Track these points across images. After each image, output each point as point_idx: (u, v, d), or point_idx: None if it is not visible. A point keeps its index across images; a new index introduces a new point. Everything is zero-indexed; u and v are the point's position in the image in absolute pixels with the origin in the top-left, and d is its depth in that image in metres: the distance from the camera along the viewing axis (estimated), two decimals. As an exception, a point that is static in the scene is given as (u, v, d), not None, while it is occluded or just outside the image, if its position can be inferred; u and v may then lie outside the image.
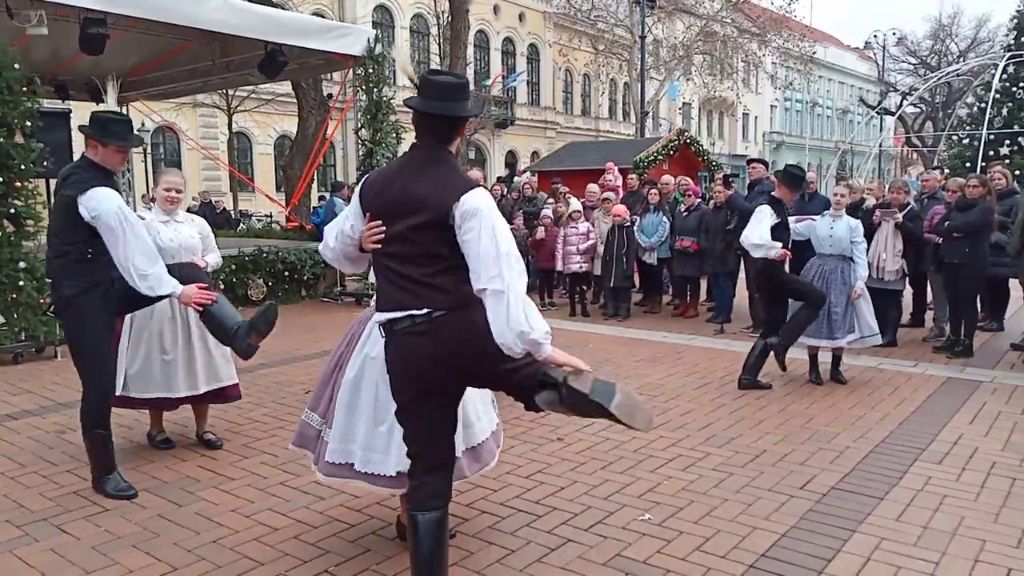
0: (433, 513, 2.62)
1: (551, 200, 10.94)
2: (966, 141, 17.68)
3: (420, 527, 2.61)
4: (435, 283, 2.51)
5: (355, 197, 2.77)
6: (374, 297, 3.25)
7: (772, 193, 6.01)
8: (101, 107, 12.35)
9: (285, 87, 17.50)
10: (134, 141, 3.99)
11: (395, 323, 2.57)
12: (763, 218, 5.75)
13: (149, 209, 4.68)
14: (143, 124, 19.97)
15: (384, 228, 2.59)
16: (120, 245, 3.66)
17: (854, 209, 7.83)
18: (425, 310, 2.51)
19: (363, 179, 2.78)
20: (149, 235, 4.12)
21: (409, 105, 2.60)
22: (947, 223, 7.05)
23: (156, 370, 4.40)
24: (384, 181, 2.66)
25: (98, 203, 3.65)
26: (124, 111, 13.38)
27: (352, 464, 3.09)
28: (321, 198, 18.45)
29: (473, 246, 2.42)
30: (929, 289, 8.40)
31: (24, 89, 6.98)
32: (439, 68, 8.67)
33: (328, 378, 3.31)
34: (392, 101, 10.70)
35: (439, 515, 2.63)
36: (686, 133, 15.71)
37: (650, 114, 30.68)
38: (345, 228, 2.78)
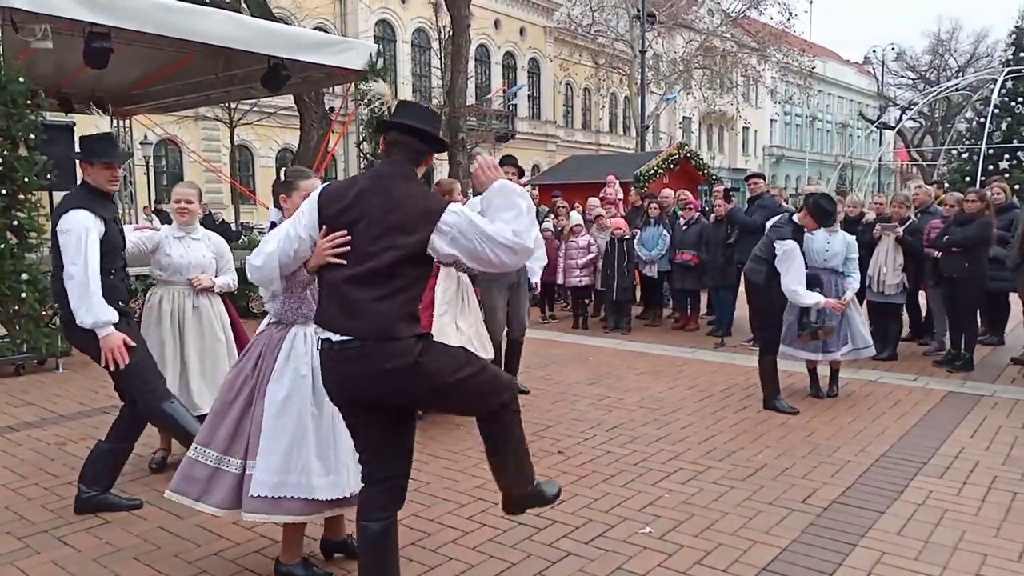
0: (378, 524, 2.63)
1: (551, 214, 10.97)
2: (965, 155, 17.71)
3: (367, 537, 2.62)
4: (380, 308, 2.48)
5: (311, 208, 2.66)
6: (266, 318, 3.18)
7: (794, 218, 5.72)
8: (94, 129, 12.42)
9: (287, 100, 17.54)
10: (119, 156, 3.92)
11: (329, 342, 2.55)
12: (794, 262, 5.48)
13: (150, 220, 4.67)
14: (145, 136, 20.11)
15: (349, 240, 2.54)
16: (66, 258, 3.60)
17: (854, 223, 7.88)
18: (359, 336, 2.49)
19: (321, 191, 2.69)
20: (162, 250, 4.21)
21: (392, 120, 2.67)
22: (946, 237, 7.08)
23: None
24: (353, 196, 2.58)
25: (66, 222, 3.64)
26: (127, 124, 13.45)
27: (289, 496, 2.94)
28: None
29: (475, 256, 2.51)
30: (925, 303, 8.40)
31: (28, 102, 7.02)
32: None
33: (227, 408, 3.10)
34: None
35: (384, 526, 2.63)
36: (686, 147, 15.77)
37: (650, 128, 30.79)
38: (298, 233, 2.66)
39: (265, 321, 3.20)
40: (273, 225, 3.35)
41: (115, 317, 3.65)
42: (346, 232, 2.54)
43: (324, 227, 2.60)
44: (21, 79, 6.95)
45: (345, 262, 2.54)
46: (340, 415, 2.78)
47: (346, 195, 2.60)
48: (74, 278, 3.58)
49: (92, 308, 3.58)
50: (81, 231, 3.60)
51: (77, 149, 3.89)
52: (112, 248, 3.81)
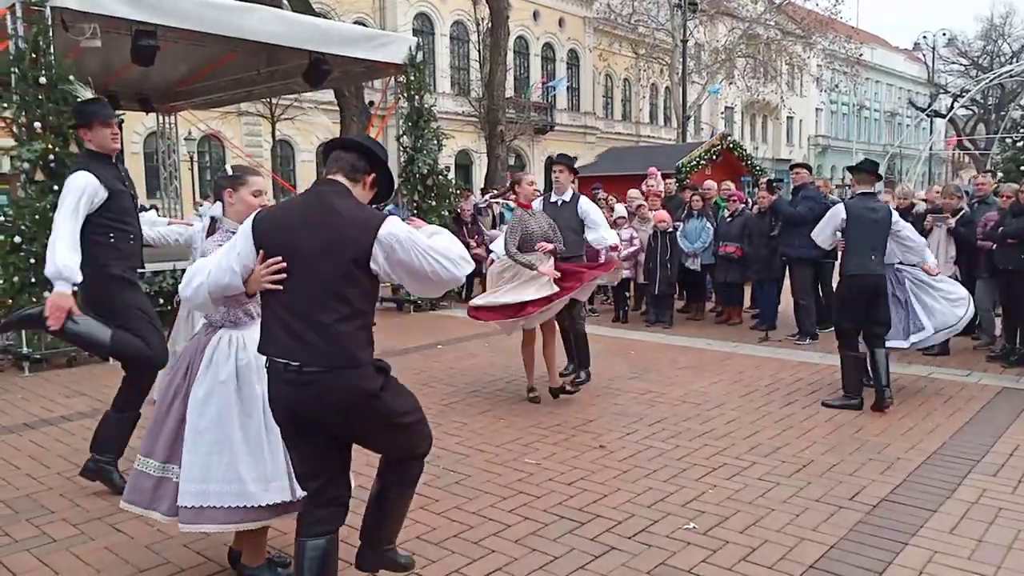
0: (319, 540, 2.60)
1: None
2: (1020, 144, 17.15)
3: (305, 553, 2.59)
4: (328, 334, 2.45)
5: (245, 236, 2.61)
6: (198, 326, 3.15)
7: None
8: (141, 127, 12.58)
9: (328, 95, 17.77)
10: (112, 112, 4.04)
11: (275, 366, 2.53)
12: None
13: (199, 216, 4.66)
14: (190, 132, 20.45)
15: (286, 266, 2.50)
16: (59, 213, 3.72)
17: (904, 214, 7.68)
18: (307, 364, 2.46)
19: (255, 216, 2.66)
20: (195, 245, 4.19)
21: (333, 140, 2.74)
22: (1001, 229, 6.87)
23: None
24: (289, 217, 2.58)
25: (69, 180, 3.78)
26: (172, 121, 13.72)
27: (212, 506, 2.85)
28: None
29: (412, 270, 2.52)
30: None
31: (78, 100, 7.18)
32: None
33: (164, 417, 3.04)
34: (433, 108, 10.82)
35: (325, 542, 2.60)
36: (729, 137, 15.57)
37: (692, 118, 30.44)
38: (231, 265, 2.62)
39: (199, 324, 3.16)
40: (213, 222, 3.29)
41: (78, 276, 3.70)
42: (281, 258, 2.50)
43: (261, 251, 2.56)
44: (71, 77, 7.11)
45: (282, 287, 2.51)
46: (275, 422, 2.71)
47: (282, 217, 2.60)
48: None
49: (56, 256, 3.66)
50: (76, 191, 3.72)
51: (73, 121, 4.05)
52: (122, 212, 3.89)
